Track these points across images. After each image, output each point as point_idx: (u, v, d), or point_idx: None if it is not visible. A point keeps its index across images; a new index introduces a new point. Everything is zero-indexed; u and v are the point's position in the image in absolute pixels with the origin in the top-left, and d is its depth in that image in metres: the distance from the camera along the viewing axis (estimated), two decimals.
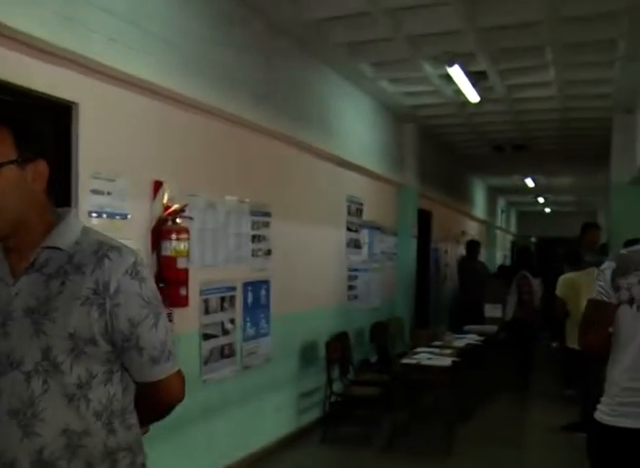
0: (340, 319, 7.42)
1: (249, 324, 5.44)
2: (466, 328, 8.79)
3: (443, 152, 11.60)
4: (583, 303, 6.46)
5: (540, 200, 18.66)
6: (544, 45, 6.18)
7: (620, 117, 8.60)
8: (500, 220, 18.57)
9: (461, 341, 7.56)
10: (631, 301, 2.72)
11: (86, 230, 1.72)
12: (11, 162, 1.60)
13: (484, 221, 16.51)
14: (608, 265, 2.80)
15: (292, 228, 6.23)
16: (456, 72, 6.64)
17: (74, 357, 1.60)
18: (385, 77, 7.25)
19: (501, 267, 13.71)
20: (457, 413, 6.64)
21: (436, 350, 6.93)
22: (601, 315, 2.79)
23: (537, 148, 11.27)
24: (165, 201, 4.21)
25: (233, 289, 5.21)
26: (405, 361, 6.34)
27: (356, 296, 7.91)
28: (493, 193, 17.51)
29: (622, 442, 2.75)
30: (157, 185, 4.20)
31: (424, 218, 10.54)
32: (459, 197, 13.40)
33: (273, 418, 5.99)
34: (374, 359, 8.21)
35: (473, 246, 11.33)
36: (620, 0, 5.12)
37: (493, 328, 8.88)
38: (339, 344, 6.87)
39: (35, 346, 1.59)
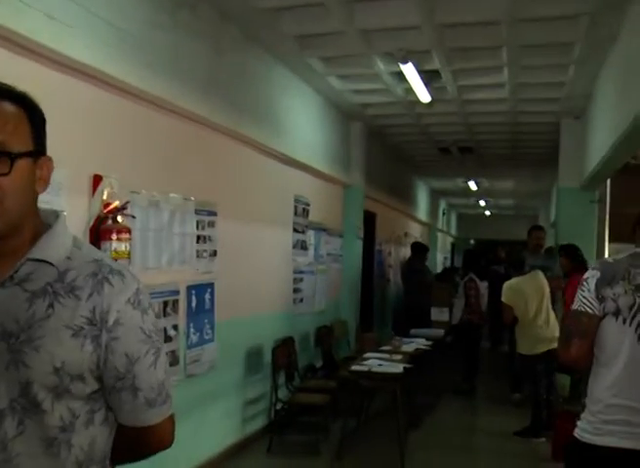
0: (286, 323, 7.16)
1: (193, 330, 5.12)
2: (413, 331, 8.62)
3: (388, 153, 11.45)
4: (531, 308, 6.41)
5: (482, 203, 18.77)
6: (501, 45, 6.03)
7: (568, 123, 8.59)
8: (441, 223, 18.61)
9: (410, 346, 7.37)
10: (617, 313, 2.54)
11: (77, 242, 1.43)
12: (29, 153, 1.32)
13: (426, 223, 16.48)
14: (591, 274, 2.61)
15: (238, 228, 5.93)
16: (409, 70, 6.46)
17: (55, 395, 1.32)
18: (335, 73, 7.01)
19: (446, 270, 13.66)
20: (407, 421, 6.45)
21: (386, 355, 6.72)
22: (584, 327, 2.60)
23: (483, 151, 11.22)
24: (105, 197, 3.86)
25: (176, 292, 4.88)
26: (355, 368, 6.10)
27: (302, 300, 7.65)
28: (435, 195, 17.51)
29: (605, 462, 2.57)
30: (96, 180, 3.85)
31: (369, 220, 10.36)
32: (402, 199, 13.29)
33: (218, 428, 5.68)
34: (319, 364, 7.97)
35: (420, 248, 11.18)
36: (581, 2, 5.02)
37: (439, 331, 8.74)
38: (285, 350, 6.61)
39: (12, 379, 1.30)
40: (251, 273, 6.22)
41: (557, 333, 6.64)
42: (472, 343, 8.98)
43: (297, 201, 7.36)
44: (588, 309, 2.58)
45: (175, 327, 4.85)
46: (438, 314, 9.39)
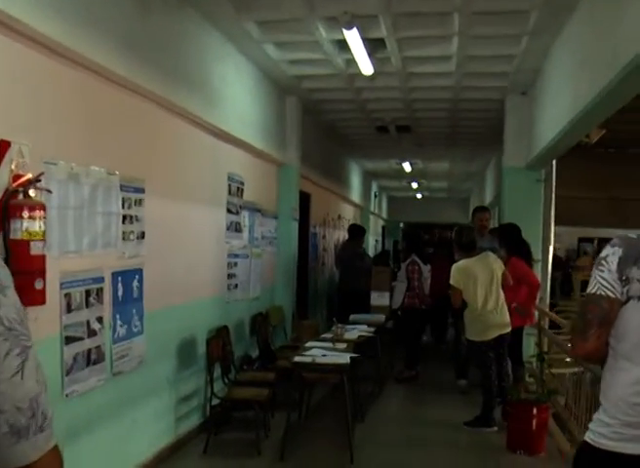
0: (220, 311, 6.62)
1: (120, 322, 4.53)
2: (352, 317, 8.20)
3: (323, 131, 10.96)
4: (480, 292, 6.05)
5: (414, 185, 18.52)
6: (453, 11, 5.62)
7: (513, 99, 8.29)
8: (373, 205, 18.27)
9: (353, 333, 6.95)
10: None
11: None
12: None
13: (359, 206, 16.11)
14: (611, 251, 2.18)
15: (168, 207, 5.35)
16: (352, 37, 5.97)
17: None
18: (272, 40, 6.45)
19: (382, 253, 13.28)
20: (353, 414, 6.03)
21: (328, 344, 6.28)
22: (604, 314, 2.18)
23: (421, 130, 10.83)
24: (14, 167, 3.23)
25: (101, 280, 4.28)
26: (298, 359, 5.62)
27: (236, 285, 7.11)
28: (367, 177, 17.12)
29: None
30: (3, 146, 3.21)
31: (304, 201, 9.86)
32: (336, 179, 12.84)
33: (149, 430, 5.10)
34: (255, 354, 7.47)
35: (358, 230, 10.73)
36: None
37: (380, 317, 8.36)
38: (219, 340, 6.07)
39: None
40: (183, 257, 5.66)
41: (507, 318, 6.41)
42: (414, 328, 8.62)
43: (230, 179, 6.80)
44: (609, 292, 2.16)
45: (99, 319, 4.26)
46: (378, 299, 8.99)
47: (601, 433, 2.20)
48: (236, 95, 6.72)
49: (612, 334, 2.21)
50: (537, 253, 7.89)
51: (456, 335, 8.15)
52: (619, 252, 2.17)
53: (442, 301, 9.24)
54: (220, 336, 6.13)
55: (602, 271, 2.19)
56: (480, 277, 6.23)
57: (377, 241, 20.16)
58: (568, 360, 6.51)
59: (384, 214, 22.44)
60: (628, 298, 2.15)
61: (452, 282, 6.31)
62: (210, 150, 6.26)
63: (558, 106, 6.17)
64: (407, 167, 14.64)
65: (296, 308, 9.13)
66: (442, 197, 22.59)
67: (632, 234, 2.26)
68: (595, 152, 11.10)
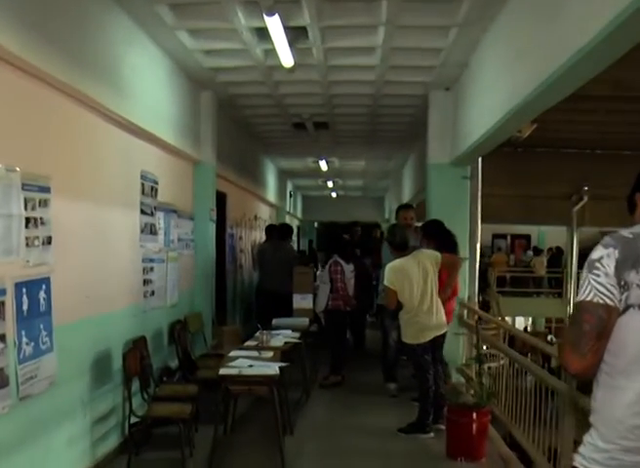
0: (137, 321, 6.11)
1: (25, 339, 3.99)
2: (275, 322, 7.82)
3: (239, 127, 10.52)
4: (416, 292, 5.79)
5: (330, 184, 18.24)
6: None
7: (437, 95, 8.10)
8: (288, 205, 17.89)
9: (278, 339, 6.57)
10: None
11: None
12: None
13: (274, 205, 15.70)
14: (606, 253, 1.90)
15: (78, 209, 4.82)
16: (273, 24, 5.58)
17: None
18: (186, 26, 5.97)
19: (301, 253, 12.91)
20: (282, 426, 5.65)
21: (253, 353, 5.88)
22: (603, 324, 1.89)
23: (339, 127, 10.55)
24: None
25: (2, 292, 3.74)
26: (223, 371, 5.17)
27: (153, 292, 6.60)
28: (283, 176, 16.70)
29: None
30: None
31: (220, 201, 9.40)
32: (252, 178, 12.38)
33: (65, 456, 4.59)
34: (175, 365, 6.99)
35: (285, 230, 10.38)
36: None
37: (304, 320, 7.99)
38: (136, 352, 5.57)
39: None
40: (95, 264, 5.14)
41: (443, 318, 6.18)
42: (338, 331, 8.30)
43: (144, 178, 6.29)
44: (607, 299, 1.87)
45: (1, 337, 3.72)
46: (301, 301, 8.61)
47: (595, 459, 1.92)
48: (148, 86, 6.23)
49: (607, 348, 1.93)
50: (463, 251, 7.75)
51: (383, 337, 7.86)
52: (614, 253, 1.88)
53: (364, 303, 9.04)
54: (137, 349, 5.64)
55: (597, 275, 1.89)
56: (414, 276, 5.97)
57: (292, 241, 19.81)
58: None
59: (299, 214, 22.12)
60: (627, 306, 1.87)
61: (386, 282, 6.03)
62: (122, 146, 5.76)
63: (489, 100, 5.99)
64: (323, 165, 14.35)
65: (215, 313, 8.67)
66: (357, 196, 22.43)
67: (625, 232, 1.97)
68: (504, 151, 11.25)
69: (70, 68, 4.42)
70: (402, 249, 6.09)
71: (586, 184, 14.50)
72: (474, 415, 5.41)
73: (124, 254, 5.82)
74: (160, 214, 6.83)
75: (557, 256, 23.32)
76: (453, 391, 6.87)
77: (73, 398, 4.78)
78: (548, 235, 25.17)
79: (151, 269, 6.55)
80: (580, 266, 14.94)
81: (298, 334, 7.01)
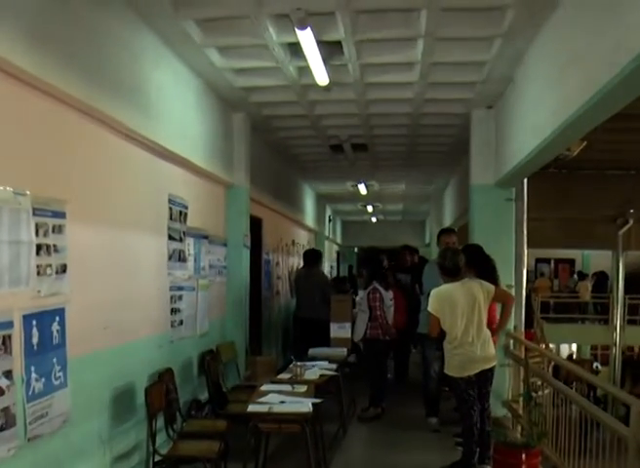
0: (163, 352, 5.82)
1: (35, 375, 3.70)
2: (311, 352, 7.45)
3: (274, 150, 10.24)
4: (460, 321, 5.39)
5: (369, 209, 17.88)
6: (420, 8, 5.02)
7: (479, 113, 7.74)
8: (327, 230, 17.55)
9: (313, 372, 6.19)
10: None
11: None
12: None
13: (313, 230, 15.40)
14: None
15: (97, 235, 4.56)
16: (306, 39, 5.30)
17: None
18: (215, 44, 5.72)
19: (339, 279, 12.51)
20: (317, 464, 5.27)
21: (286, 387, 5.52)
22: None
23: (377, 149, 10.21)
24: None
25: (8, 325, 3.47)
26: (252, 408, 4.82)
27: (182, 322, 6.31)
28: (321, 201, 16.41)
29: None
30: None
31: (255, 226, 9.13)
32: (289, 203, 12.11)
33: None
34: (205, 397, 6.67)
35: (313, 255, 10.03)
36: None
37: (342, 350, 7.60)
38: (161, 386, 5.26)
39: None
40: (116, 292, 4.86)
41: (492, 351, 5.76)
42: (378, 362, 7.88)
43: (172, 202, 6.03)
44: None
45: (7, 373, 3.44)
46: (339, 330, 8.23)
47: None
48: (177, 107, 5.98)
49: None
50: (509, 278, 7.31)
51: (424, 368, 7.42)
52: None
53: (406, 333, 8.59)
54: (162, 382, 5.33)
55: None
56: (460, 304, 5.54)
57: (332, 267, 19.45)
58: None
59: (339, 239, 21.77)
60: None
61: (429, 308, 5.61)
62: (147, 168, 5.50)
63: (536, 116, 5.60)
64: (362, 189, 14.00)
65: (249, 343, 8.35)
66: (397, 220, 21.99)
67: None
68: (548, 173, 10.83)
69: (88, 86, 4.17)
70: (453, 274, 5.66)
71: (632, 207, 14.06)
72: (523, 456, 4.97)
73: (149, 283, 5.54)
74: (190, 241, 6.56)
75: (602, 281, 22.57)
76: (498, 427, 6.43)
77: (91, 436, 4.48)
78: (592, 259, 24.44)
79: (180, 297, 6.26)
80: (627, 291, 14.35)
81: (334, 366, 6.63)
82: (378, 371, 7.82)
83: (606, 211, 14.21)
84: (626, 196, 13.92)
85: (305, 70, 6.27)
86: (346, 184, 14.05)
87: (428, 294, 7.07)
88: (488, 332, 5.62)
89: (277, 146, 10.03)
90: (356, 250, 23.78)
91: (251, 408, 4.82)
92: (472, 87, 6.93)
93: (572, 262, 23.92)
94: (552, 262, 23.04)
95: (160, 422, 5.20)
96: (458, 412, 6.90)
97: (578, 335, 17.12)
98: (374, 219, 21.32)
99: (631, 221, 14.45)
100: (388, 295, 7.80)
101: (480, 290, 5.57)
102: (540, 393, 6.14)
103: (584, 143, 7.98)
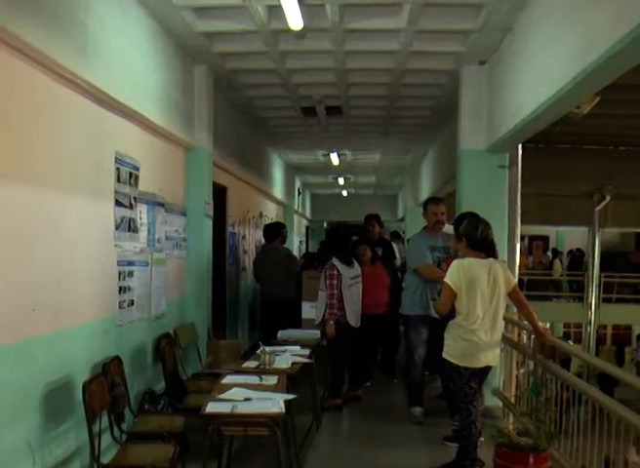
0: (109, 338, 4.97)
1: None
2: (281, 334, 6.65)
3: (240, 112, 9.31)
4: (479, 302, 4.57)
5: (340, 181, 16.99)
6: None
7: (471, 70, 6.95)
8: (297, 203, 16.63)
9: (284, 359, 5.40)
10: None
11: None
12: None
13: (282, 203, 14.50)
14: None
15: (22, 198, 3.67)
16: None
17: None
18: None
19: (310, 255, 11.67)
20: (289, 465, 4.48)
21: (254, 379, 4.71)
22: None
23: (353, 113, 9.30)
24: None
25: None
26: (211, 408, 3.97)
27: (132, 302, 5.45)
28: (290, 171, 15.43)
29: None
30: None
31: (219, 195, 8.25)
32: (257, 172, 11.18)
33: None
34: (160, 388, 5.84)
35: (272, 229, 9.06)
36: None
37: (315, 333, 6.76)
38: (103, 380, 4.41)
39: None
40: (47, 269, 3.99)
41: (499, 348, 4.99)
42: (337, 348, 6.82)
43: (120, 161, 5.12)
44: None
45: None
46: (311, 310, 7.39)
47: None
48: (123, 48, 5.03)
49: None
50: (502, 253, 6.54)
51: (408, 353, 6.60)
52: None
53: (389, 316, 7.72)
54: (106, 374, 4.49)
55: None
56: (482, 285, 4.71)
57: (300, 242, 18.58)
58: None
59: (308, 214, 20.90)
60: None
61: (447, 279, 4.72)
62: (86, 118, 4.57)
63: (546, 66, 4.85)
64: (334, 159, 13.11)
65: (211, 325, 7.50)
66: (369, 194, 21.12)
67: None
68: (524, 147, 10.36)
69: (14, 12, 3.26)
70: (481, 248, 4.82)
71: (609, 183, 13.95)
72: (531, 461, 4.26)
73: (91, 256, 4.65)
74: (143, 208, 5.69)
75: (578, 258, 22.26)
76: (488, 418, 5.74)
77: (16, 444, 3.64)
78: (567, 236, 24.12)
79: (130, 274, 5.39)
80: (603, 269, 14.06)
81: (307, 351, 5.83)
82: (337, 358, 6.92)
83: (583, 186, 14.07)
84: (604, 171, 13.77)
85: (277, 11, 5.43)
86: (318, 153, 13.15)
87: (414, 271, 6.34)
88: (502, 325, 4.85)
89: (244, 108, 9.09)
90: (325, 224, 22.97)
91: (210, 407, 3.97)
92: (466, 37, 6.14)
93: (546, 239, 23.50)
94: (527, 239, 22.53)
95: (105, 423, 4.38)
96: (445, 399, 6.26)
97: (551, 313, 16.79)
98: (344, 193, 20.46)
99: (608, 198, 14.24)
100: (350, 273, 6.88)
101: (502, 275, 4.76)
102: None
103: (598, 99, 7.24)
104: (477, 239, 4.81)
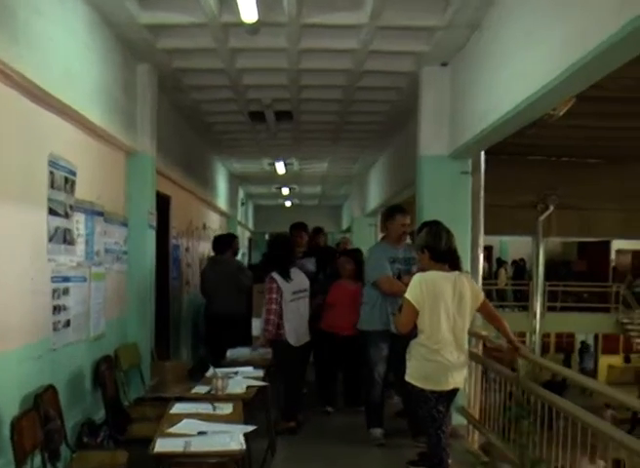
0: (42, 365, 4.39)
1: None
2: (230, 354, 6.11)
3: (185, 117, 8.75)
4: (443, 319, 4.11)
5: (285, 191, 16.51)
6: None
7: (432, 71, 6.61)
8: (240, 214, 16.08)
9: (238, 383, 4.89)
10: None
11: None
12: None
13: (225, 214, 13.93)
14: None
15: None
16: None
17: None
18: None
19: (255, 267, 11.08)
20: None
21: (206, 407, 4.20)
22: None
23: (303, 118, 8.85)
24: None
25: None
26: (162, 446, 3.42)
27: (68, 322, 4.88)
28: (234, 181, 14.85)
29: None
30: None
31: (162, 204, 7.69)
32: (201, 181, 10.60)
33: None
34: (100, 418, 5.26)
35: (223, 240, 8.53)
36: None
37: (266, 351, 6.19)
38: (35, 415, 3.85)
39: None
40: None
41: (466, 368, 4.61)
42: (286, 367, 6.26)
43: (54, 165, 4.55)
44: None
45: None
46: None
47: None
48: (58, 38, 4.47)
49: None
50: (465, 264, 6.19)
51: (367, 371, 6.15)
52: None
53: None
54: (37, 408, 3.92)
55: None
56: (446, 300, 4.30)
57: (243, 254, 18.05)
58: None
59: (251, 225, 20.35)
60: None
61: (408, 295, 4.29)
62: (16, 114, 4.02)
63: (524, 64, 4.52)
64: (280, 168, 12.65)
65: (154, 344, 6.92)
66: (313, 205, 20.76)
67: None
68: None
69: None
70: (444, 259, 4.41)
71: (553, 193, 14.14)
72: None
73: (20, 272, 4.07)
74: (80, 217, 5.12)
75: (522, 268, 22.51)
76: (453, 435, 5.37)
77: None
78: (511, 246, 24.29)
79: (65, 291, 4.82)
80: (547, 278, 14.16)
81: (261, 373, 5.34)
82: (291, 379, 6.35)
83: (527, 197, 14.18)
84: (547, 182, 14.02)
85: (229, 3, 4.97)
86: (263, 162, 12.65)
87: (373, 284, 5.91)
88: (467, 345, 4.46)
89: (188, 112, 8.54)
90: (267, 236, 22.49)
91: (160, 445, 3.42)
92: (430, 35, 5.81)
93: (489, 249, 23.58)
94: None
95: (38, 462, 3.81)
96: (405, 418, 5.96)
97: None
98: (288, 204, 20.02)
99: (552, 207, 14.38)
100: (292, 287, 6.36)
101: (469, 290, 4.37)
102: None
103: (573, 100, 7.00)
104: (441, 250, 4.41)
